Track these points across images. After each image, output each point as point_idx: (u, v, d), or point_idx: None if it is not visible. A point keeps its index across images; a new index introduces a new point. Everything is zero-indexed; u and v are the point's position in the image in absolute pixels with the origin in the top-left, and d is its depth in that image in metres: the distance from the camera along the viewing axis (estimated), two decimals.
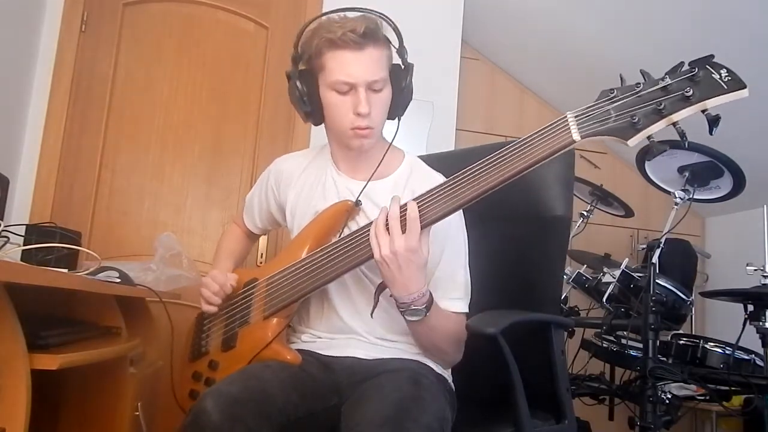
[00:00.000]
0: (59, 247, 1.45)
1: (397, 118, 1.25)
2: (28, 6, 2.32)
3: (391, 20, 1.19)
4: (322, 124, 1.28)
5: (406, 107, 1.26)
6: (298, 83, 1.21)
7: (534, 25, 2.92)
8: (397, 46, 1.22)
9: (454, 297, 1.21)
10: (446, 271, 1.20)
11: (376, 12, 1.18)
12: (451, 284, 1.21)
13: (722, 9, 2.27)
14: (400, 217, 1.05)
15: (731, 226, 3.18)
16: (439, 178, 1.28)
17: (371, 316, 1.17)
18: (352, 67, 1.15)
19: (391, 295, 1.10)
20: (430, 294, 1.10)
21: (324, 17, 1.19)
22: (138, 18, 2.52)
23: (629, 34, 2.63)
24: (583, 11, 2.67)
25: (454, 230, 1.21)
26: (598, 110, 0.96)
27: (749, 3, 2.20)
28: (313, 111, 1.23)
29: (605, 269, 2.32)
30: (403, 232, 1.04)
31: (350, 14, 1.18)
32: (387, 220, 1.06)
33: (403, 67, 1.22)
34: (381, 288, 1.13)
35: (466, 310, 1.22)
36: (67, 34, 2.41)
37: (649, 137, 0.95)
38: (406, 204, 1.06)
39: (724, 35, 2.33)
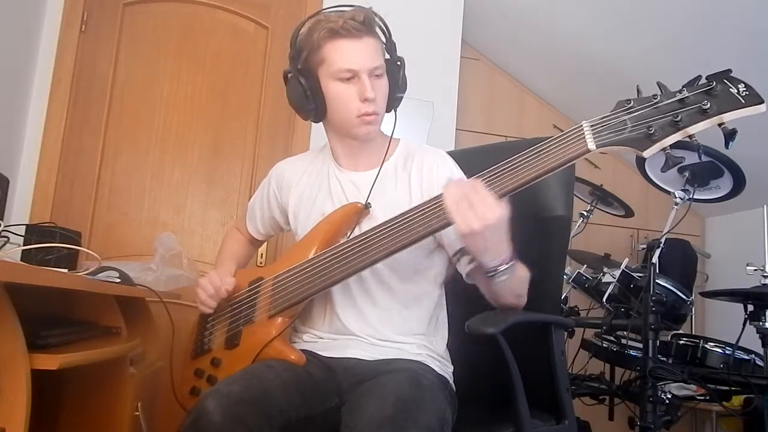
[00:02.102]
0: (59, 247, 1.45)
1: (393, 110, 1.28)
2: (28, 6, 2.32)
3: (379, 18, 1.22)
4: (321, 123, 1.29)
5: (401, 99, 1.28)
6: (300, 79, 1.22)
7: (534, 25, 2.92)
8: (385, 42, 1.24)
9: None
10: None
11: (368, 8, 1.21)
12: None
13: (723, 10, 2.27)
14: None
15: (731, 226, 3.18)
16: (437, 149, 1.31)
17: (467, 279, 1.15)
18: (353, 55, 1.17)
19: (471, 262, 1.10)
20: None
21: (319, 14, 1.21)
22: (138, 18, 2.52)
23: (629, 34, 2.63)
24: (583, 11, 2.67)
25: None
26: (614, 120, 0.96)
27: (748, 4, 2.20)
28: (317, 106, 1.24)
29: (605, 269, 2.32)
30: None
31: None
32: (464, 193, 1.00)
33: (395, 61, 1.25)
34: (461, 254, 1.11)
35: None
36: (67, 34, 2.42)
37: (664, 149, 0.95)
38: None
39: (724, 35, 2.33)
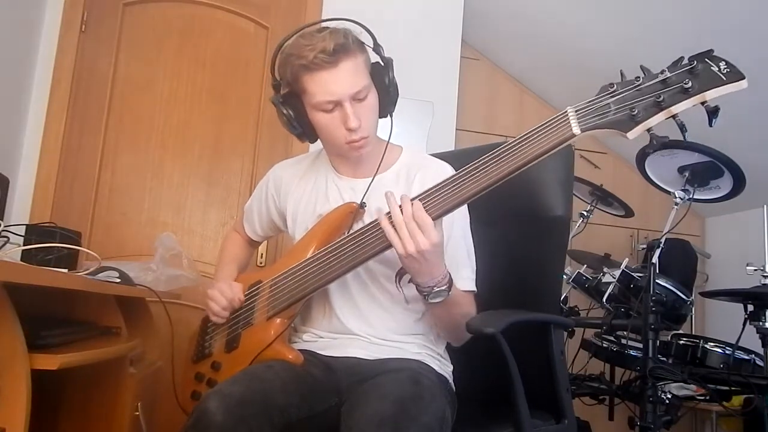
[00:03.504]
0: (59, 247, 1.45)
1: (389, 116, 1.25)
2: (28, 6, 2.32)
3: (358, 23, 1.19)
4: None
5: (395, 103, 1.25)
6: (284, 110, 1.21)
7: (534, 24, 2.92)
8: (372, 46, 1.21)
9: (464, 276, 1.22)
10: (454, 253, 1.20)
11: (343, 19, 1.19)
12: (459, 266, 1.21)
13: (725, 10, 2.27)
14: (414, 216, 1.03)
15: (731, 226, 3.18)
16: (444, 164, 1.29)
17: (406, 303, 1.16)
18: (331, 86, 1.15)
19: (410, 281, 1.11)
20: (450, 275, 1.11)
21: (291, 39, 1.18)
22: (138, 18, 2.52)
23: (630, 34, 2.63)
24: (583, 11, 2.67)
25: (456, 214, 1.18)
26: (597, 104, 0.97)
27: (753, 5, 2.19)
28: (306, 132, 1.24)
29: (605, 269, 2.32)
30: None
31: (317, 26, 1.18)
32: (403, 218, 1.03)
33: (382, 64, 1.22)
34: (400, 275, 1.13)
35: (474, 289, 1.23)
36: (67, 34, 2.42)
37: (648, 130, 0.95)
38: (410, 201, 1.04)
39: (726, 35, 2.33)
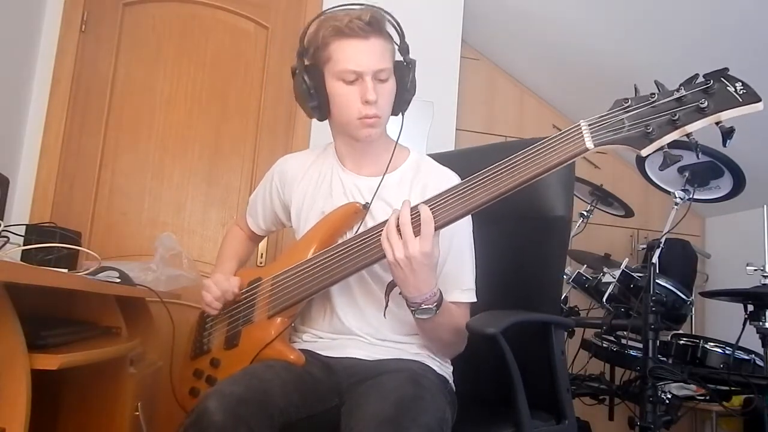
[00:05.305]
0: (59, 247, 1.45)
1: (401, 114, 1.26)
2: (28, 6, 2.32)
3: (392, 16, 1.21)
4: (327, 122, 1.28)
5: (409, 103, 1.27)
6: (305, 77, 1.21)
7: (534, 25, 2.92)
8: (398, 43, 1.23)
9: (465, 288, 1.22)
10: (455, 264, 1.21)
11: (378, 8, 1.20)
12: (460, 277, 1.21)
13: (725, 9, 2.27)
14: (413, 220, 1.04)
15: (731, 226, 3.18)
16: (449, 173, 1.28)
17: (384, 317, 1.17)
18: (359, 56, 1.16)
19: (400, 293, 1.10)
20: (440, 293, 1.11)
21: (327, 12, 1.20)
22: (138, 18, 2.52)
23: (630, 34, 2.63)
24: (583, 11, 2.67)
25: (461, 222, 1.19)
26: (612, 119, 0.97)
27: (752, 4, 2.19)
28: (320, 105, 1.23)
29: (605, 269, 2.32)
30: (416, 235, 1.03)
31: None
32: (398, 222, 1.05)
33: (405, 63, 1.23)
34: (390, 287, 1.12)
35: (475, 300, 1.23)
36: (67, 34, 2.42)
37: (661, 148, 0.95)
38: (417, 207, 1.06)
39: (725, 34, 2.33)
